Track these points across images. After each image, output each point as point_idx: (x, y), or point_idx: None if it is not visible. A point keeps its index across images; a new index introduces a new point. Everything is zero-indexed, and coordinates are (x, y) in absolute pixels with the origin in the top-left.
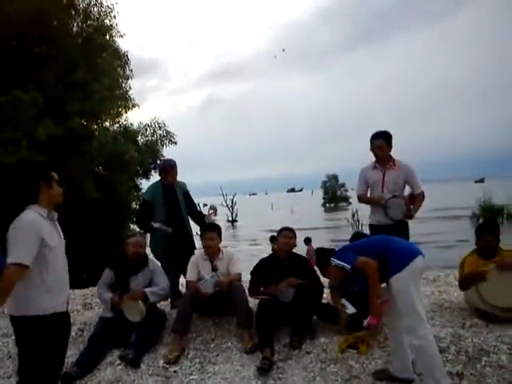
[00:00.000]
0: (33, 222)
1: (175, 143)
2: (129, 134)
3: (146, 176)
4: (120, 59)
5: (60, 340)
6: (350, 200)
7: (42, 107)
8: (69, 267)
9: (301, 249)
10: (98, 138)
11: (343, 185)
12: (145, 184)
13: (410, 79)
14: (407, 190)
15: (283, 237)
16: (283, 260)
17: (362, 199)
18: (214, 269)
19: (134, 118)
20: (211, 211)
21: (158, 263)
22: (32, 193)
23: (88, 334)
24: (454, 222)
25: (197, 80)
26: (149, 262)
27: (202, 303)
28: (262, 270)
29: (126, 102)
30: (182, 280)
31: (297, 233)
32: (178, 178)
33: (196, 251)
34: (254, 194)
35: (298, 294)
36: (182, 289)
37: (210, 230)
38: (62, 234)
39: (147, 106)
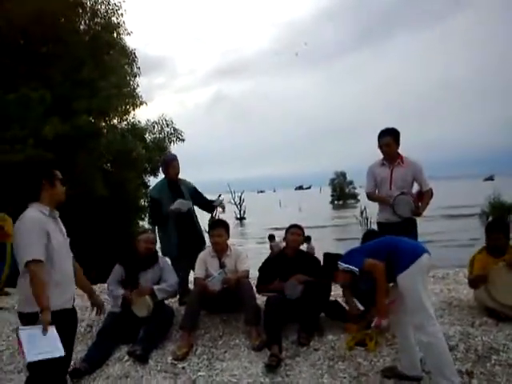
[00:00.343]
0: (36, 218)
1: (183, 140)
2: (137, 131)
3: (154, 173)
4: (127, 57)
5: (67, 336)
6: (359, 197)
7: (49, 105)
8: (78, 264)
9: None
10: (105, 135)
11: (351, 182)
12: (153, 181)
13: (413, 78)
14: (415, 188)
15: (291, 234)
16: (291, 257)
17: (370, 197)
18: (222, 266)
19: (141, 115)
20: (221, 198)
21: (168, 260)
22: (34, 191)
23: (96, 330)
24: (463, 220)
25: (204, 77)
26: (159, 259)
27: (210, 300)
28: (270, 267)
29: (133, 99)
30: (190, 277)
31: (305, 230)
32: (184, 177)
33: (205, 247)
34: (262, 192)
35: (305, 291)
36: (191, 286)
37: (218, 226)
38: (65, 231)
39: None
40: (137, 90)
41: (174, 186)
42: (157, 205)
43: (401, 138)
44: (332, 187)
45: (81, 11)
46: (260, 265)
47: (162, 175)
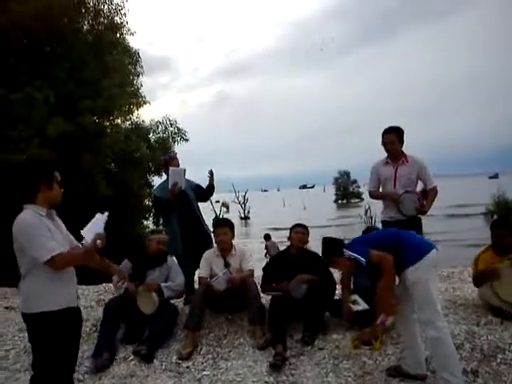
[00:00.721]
0: (33, 217)
1: (187, 140)
2: (140, 131)
3: (158, 173)
4: (131, 57)
5: (72, 335)
6: (363, 196)
7: (53, 105)
8: (83, 264)
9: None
10: (109, 135)
11: (355, 181)
12: (157, 181)
13: (418, 76)
14: (420, 186)
15: (296, 233)
16: (296, 256)
17: (373, 195)
18: (227, 265)
19: (145, 115)
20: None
21: (175, 260)
22: (31, 192)
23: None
24: (468, 219)
25: (207, 77)
26: (167, 259)
27: (215, 299)
28: (275, 266)
29: (137, 99)
30: (195, 276)
31: (310, 230)
32: (188, 177)
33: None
34: (265, 191)
35: (310, 290)
36: (197, 285)
37: (223, 224)
38: (64, 228)
39: (159, 103)
40: (140, 90)
41: None
42: (160, 202)
43: (406, 137)
44: (336, 186)
45: (84, 11)
46: (263, 264)
47: (165, 175)
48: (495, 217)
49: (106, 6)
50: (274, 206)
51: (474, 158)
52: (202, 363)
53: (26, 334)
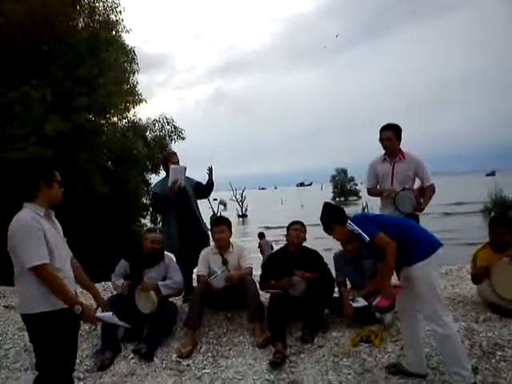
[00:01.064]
0: (31, 220)
1: (183, 138)
2: (137, 129)
3: (155, 171)
4: (126, 54)
5: (71, 334)
6: (360, 194)
7: (50, 103)
8: (80, 263)
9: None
10: (106, 133)
11: (352, 179)
12: (154, 179)
13: (415, 73)
14: (417, 183)
15: (294, 230)
16: (294, 254)
17: (371, 192)
18: (225, 262)
19: (142, 113)
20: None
21: (173, 258)
22: (31, 191)
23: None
24: (467, 217)
25: (204, 74)
26: (164, 257)
27: (214, 297)
28: (273, 264)
29: (133, 97)
30: (193, 275)
31: (307, 228)
32: (191, 174)
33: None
34: (263, 189)
35: (309, 288)
36: (195, 283)
37: (220, 222)
38: (61, 230)
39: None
40: (136, 88)
41: None
42: (159, 198)
43: (404, 134)
44: (333, 184)
45: (79, 9)
46: (261, 262)
47: (163, 173)
48: (493, 214)
49: (101, 4)
50: (271, 204)
51: (470, 156)
52: (202, 361)
53: (26, 333)
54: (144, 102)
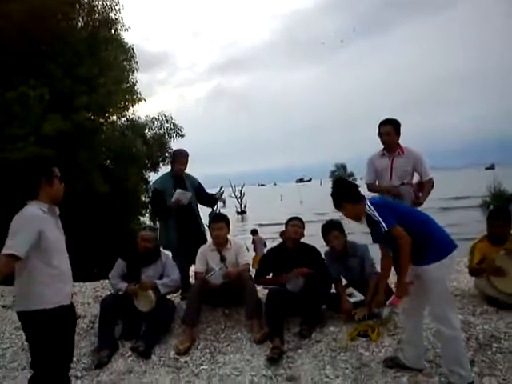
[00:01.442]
0: (34, 215)
1: (182, 136)
2: (136, 127)
3: (155, 169)
4: (126, 53)
5: (67, 332)
6: (360, 189)
7: (49, 102)
8: (79, 261)
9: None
10: (105, 132)
11: (352, 174)
12: (153, 177)
13: (414, 68)
14: (416, 178)
15: (292, 226)
16: (292, 249)
17: (371, 188)
18: (223, 259)
19: (142, 111)
20: (222, 190)
21: (170, 255)
22: (32, 189)
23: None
24: (467, 211)
25: (204, 72)
26: (161, 255)
27: (211, 294)
28: (271, 260)
29: (132, 95)
30: (191, 272)
31: (306, 225)
32: (190, 172)
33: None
34: (262, 185)
35: (307, 284)
36: (192, 280)
37: (219, 219)
38: (61, 228)
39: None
40: (136, 86)
41: (179, 179)
42: (159, 196)
43: (402, 129)
44: (333, 179)
45: (78, 7)
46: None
47: (162, 171)
48: (491, 208)
49: (100, 2)
50: (270, 201)
51: (469, 150)
52: (200, 358)
53: (23, 333)
54: (143, 101)
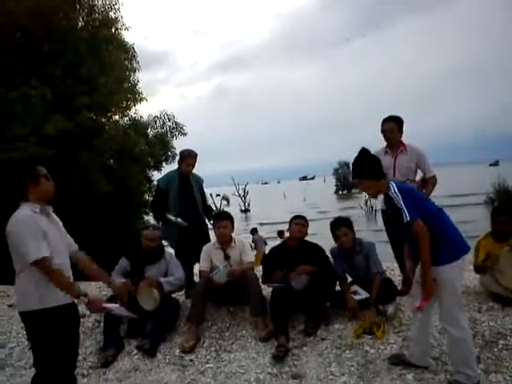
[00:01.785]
0: (28, 216)
1: (185, 134)
2: (138, 126)
3: (158, 168)
4: (126, 52)
5: (71, 331)
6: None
7: (50, 102)
8: (85, 254)
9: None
10: (107, 131)
11: None
12: (156, 176)
13: (417, 64)
14: (419, 174)
15: (295, 224)
16: (295, 248)
17: None
18: (227, 257)
19: (144, 110)
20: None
21: (173, 252)
22: (21, 192)
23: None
24: (471, 208)
25: (205, 70)
26: (165, 253)
27: (216, 292)
28: (275, 258)
29: (134, 94)
30: (195, 270)
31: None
32: (194, 171)
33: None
34: (266, 183)
35: (311, 282)
36: (197, 278)
37: (223, 218)
38: (61, 224)
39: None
40: (137, 86)
41: (185, 178)
42: (161, 195)
43: (406, 126)
44: (336, 177)
45: (78, 7)
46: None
47: (165, 170)
48: (496, 204)
49: (100, 2)
50: (274, 199)
51: (473, 146)
52: (205, 356)
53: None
54: (145, 100)
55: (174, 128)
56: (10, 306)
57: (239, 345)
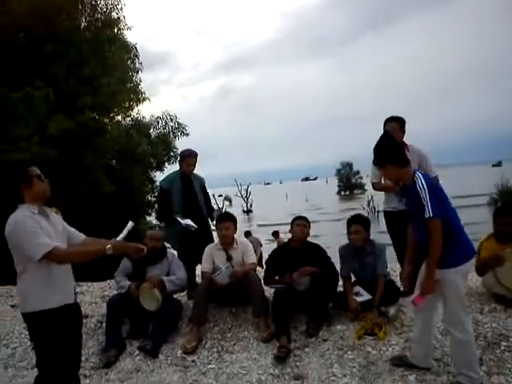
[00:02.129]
0: (27, 217)
1: (187, 135)
2: (141, 127)
3: (160, 168)
4: (129, 52)
5: (73, 331)
6: (366, 187)
7: (53, 102)
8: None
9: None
10: (110, 131)
11: (358, 172)
12: (159, 176)
13: (422, 64)
14: None
15: (297, 225)
16: (297, 249)
17: (376, 186)
18: (229, 258)
19: (146, 110)
20: (225, 201)
21: (176, 254)
22: (16, 196)
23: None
24: (474, 210)
25: (208, 71)
26: (167, 254)
27: (218, 293)
28: (277, 260)
29: (136, 95)
30: (198, 271)
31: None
32: (196, 171)
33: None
34: (268, 184)
35: (313, 282)
36: (199, 279)
37: (226, 219)
38: (59, 226)
39: (160, 99)
40: (140, 86)
41: (187, 179)
42: (166, 196)
43: (411, 125)
44: (338, 178)
45: (81, 8)
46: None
47: (168, 171)
48: (499, 205)
49: (102, 2)
50: (276, 200)
51: (476, 146)
52: (207, 357)
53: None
54: (147, 101)
55: (176, 128)
56: (12, 306)
57: (241, 346)
